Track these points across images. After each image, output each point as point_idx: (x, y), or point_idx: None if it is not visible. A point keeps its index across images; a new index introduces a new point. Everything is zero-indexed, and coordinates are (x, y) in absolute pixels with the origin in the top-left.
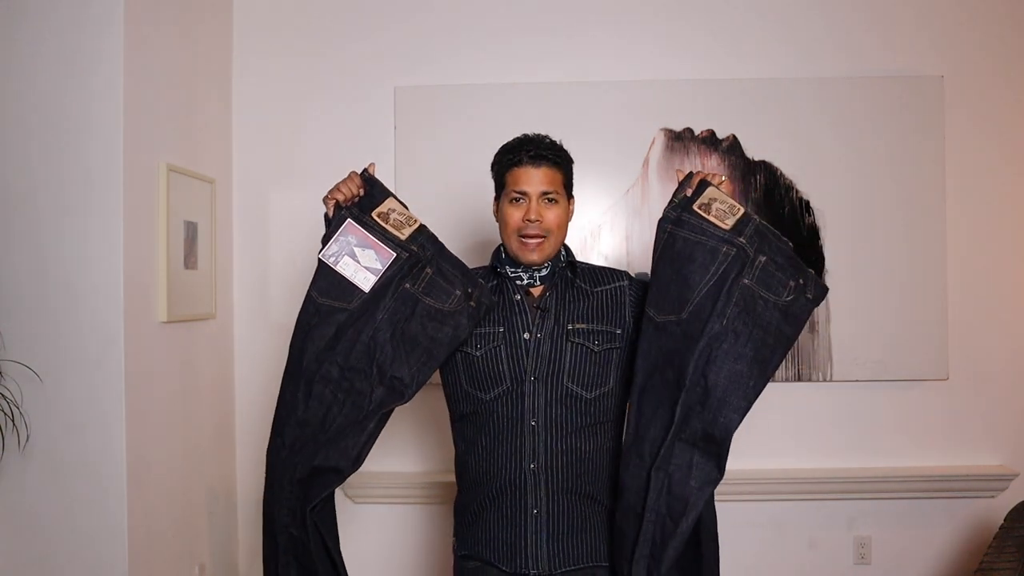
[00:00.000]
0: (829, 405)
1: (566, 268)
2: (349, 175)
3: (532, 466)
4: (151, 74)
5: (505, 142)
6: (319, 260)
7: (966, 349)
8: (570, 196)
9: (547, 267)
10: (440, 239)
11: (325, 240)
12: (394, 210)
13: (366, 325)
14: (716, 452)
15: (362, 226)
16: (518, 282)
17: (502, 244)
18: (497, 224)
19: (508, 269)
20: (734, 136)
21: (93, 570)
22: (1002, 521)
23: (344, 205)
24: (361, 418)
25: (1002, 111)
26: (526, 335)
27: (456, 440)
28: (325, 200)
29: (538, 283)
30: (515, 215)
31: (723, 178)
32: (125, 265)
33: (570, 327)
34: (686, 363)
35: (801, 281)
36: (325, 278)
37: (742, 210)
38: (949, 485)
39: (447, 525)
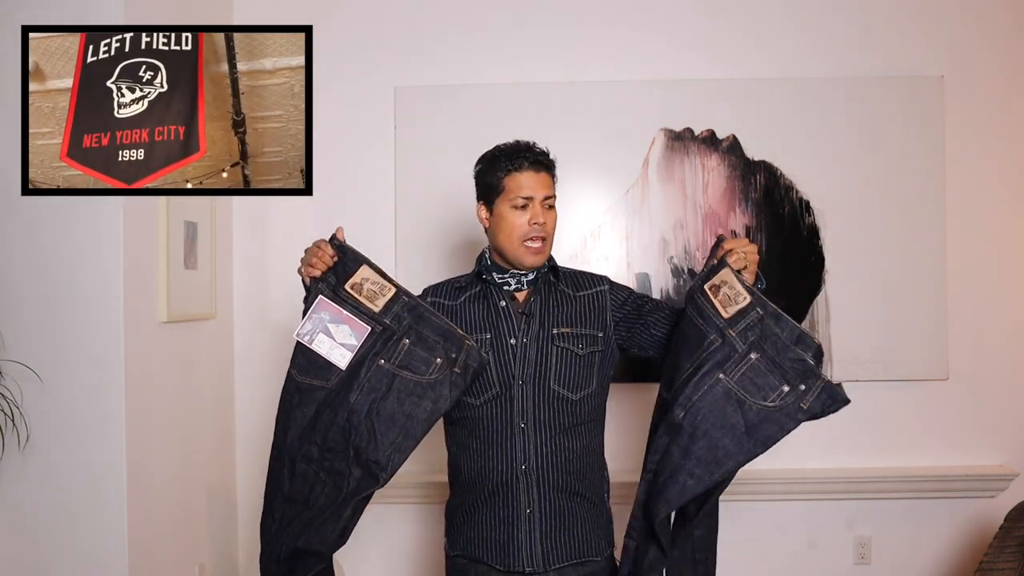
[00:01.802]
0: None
1: (548, 273)
2: (317, 244)
3: (524, 467)
4: None
5: (488, 150)
6: (296, 339)
7: (966, 349)
8: None
9: (534, 271)
10: (430, 241)
11: (303, 316)
12: (367, 279)
13: (341, 406)
14: (652, 534)
15: (335, 301)
16: (505, 288)
17: (488, 250)
18: (485, 229)
19: (495, 275)
20: (734, 136)
21: (93, 570)
22: (1002, 521)
23: (319, 277)
24: (340, 501)
25: (1002, 111)
26: (512, 340)
27: (448, 444)
28: (299, 271)
29: (525, 288)
30: (520, 220)
31: (746, 261)
32: (125, 265)
33: (555, 331)
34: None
35: (802, 388)
36: (303, 356)
37: (748, 299)
38: (949, 485)
39: (440, 525)
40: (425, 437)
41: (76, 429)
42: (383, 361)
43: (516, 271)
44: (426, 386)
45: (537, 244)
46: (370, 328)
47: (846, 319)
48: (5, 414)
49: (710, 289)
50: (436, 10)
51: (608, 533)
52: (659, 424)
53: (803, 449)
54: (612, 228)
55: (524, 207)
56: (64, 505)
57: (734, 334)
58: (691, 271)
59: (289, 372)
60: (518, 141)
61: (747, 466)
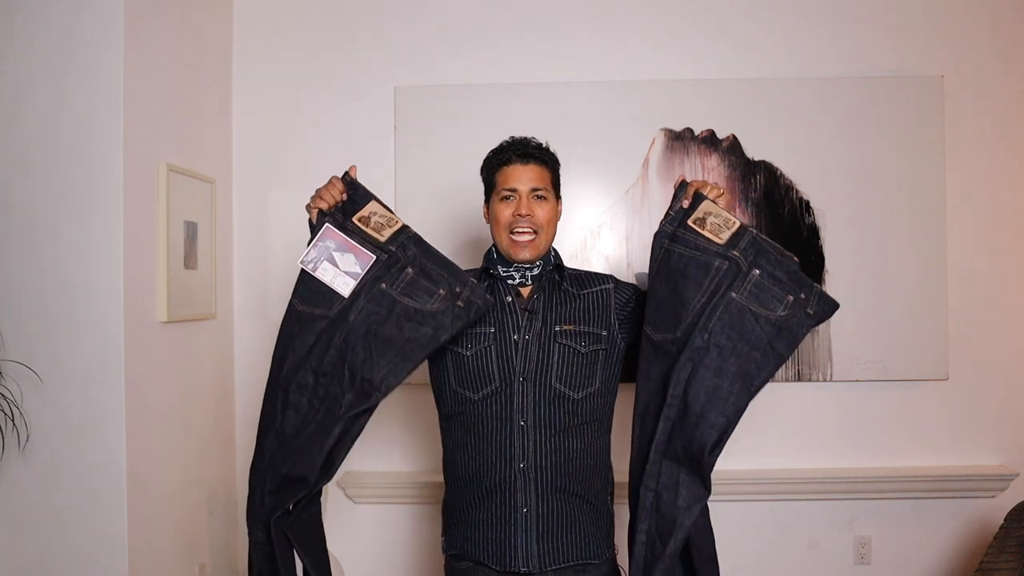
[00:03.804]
0: (829, 405)
1: (553, 271)
2: (330, 180)
3: (521, 465)
4: (151, 74)
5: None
6: (300, 267)
7: (966, 349)
8: (558, 197)
9: (538, 266)
10: (431, 240)
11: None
12: (375, 213)
13: (339, 326)
14: (699, 469)
15: (342, 230)
16: (509, 282)
17: (493, 245)
18: (488, 227)
19: (500, 269)
20: (734, 136)
21: (93, 570)
22: (1002, 521)
23: (327, 211)
24: (330, 424)
25: (1002, 111)
26: (515, 336)
27: (444, 439)
28: (308, 207)
29: (529, 283)
30: (506, 212)
31: (720, 190)
32: (125, 265)
33: (557, 328)
34: (670, 379)
35: (802, 296)
36: (306, 286)
37: (737, 223)
38: (949, 485)
39: (438, 525)
40: (423, 435)
41: (76, 429)
42: (384, 285)
43: (520, 264)
44: (427, 314)
45: (525, 237)
46: (375, 257)
47: (846, 319)
48: (5, 414)
49: (695, 223)
50: (436, 10)
51: (609, 536)
52: (662, 363)
53: (803, 449)
54: (612, 228)
55: (510, 199)
56: (64, 505)
57: (737, 253)
58: None
59: (290, 303)
60: (513, 137)
61: (748, 466)
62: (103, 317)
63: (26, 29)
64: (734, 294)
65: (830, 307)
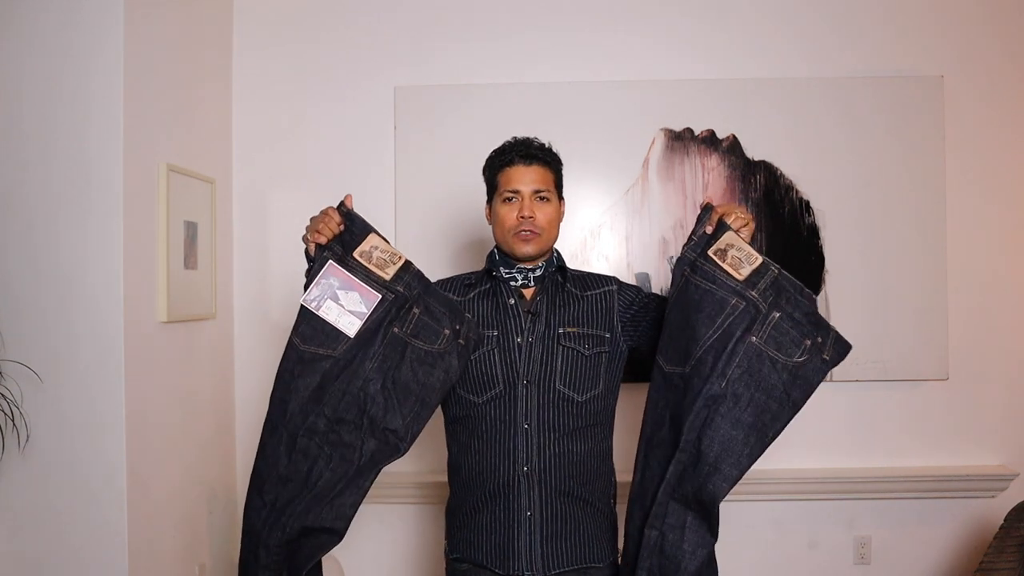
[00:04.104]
0: (830, 405)
1: (556, 272)
2: (326, 211)
3: (525, 468)
4: (151, 74)
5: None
6: (301, 305)
7: (966, 349)
8: (561, 197)
9: (540, 267)
10: (432, 242)
11: (307, 283)
12: (377, 247)
13: (355, 375)
14: (707, 517)
15: (344, 267)
16: (512, 283)
17: (496, 247)
18: (491, 227)
19: (503, 271)
20: (734, 136)
21: (93, 570)
22: (1002, 521)
23: (325, 245)
24: (353, 474)
25: (1002, 111)
26: (519, 339)
27: (449, 442)
28: (304, 239)
29: (532, 284)
30: (509, 214)
31: (746, 219)
32: (125, 265)
33: (561, 331)
34: (683, 422)
35: (819, 339)
36: (308, 324)
37: (760, 260)
38: (949, 485)
39: (440, 525)
40: (425, 435)
41: (76, 429)
42: (397, 329)
43: (522, 266)
44: (436, 355)
45: (527, 234)
46: (381, 296)
47: (846, 319)
48: (5, 414)
49: (715, 254)
50: (436, 10)
51: (612, 539)
52: (671, 396)
53: (803, 449)
54: (612, 228)
55: (512, 201)
56: (64, 505)
57: (755, 295)
58: None
59: (290, 341)
60: (515, 137)
61: None
62: (103, 317)
63: (24, 29)
64: (754, 338)
65: (844, 351)
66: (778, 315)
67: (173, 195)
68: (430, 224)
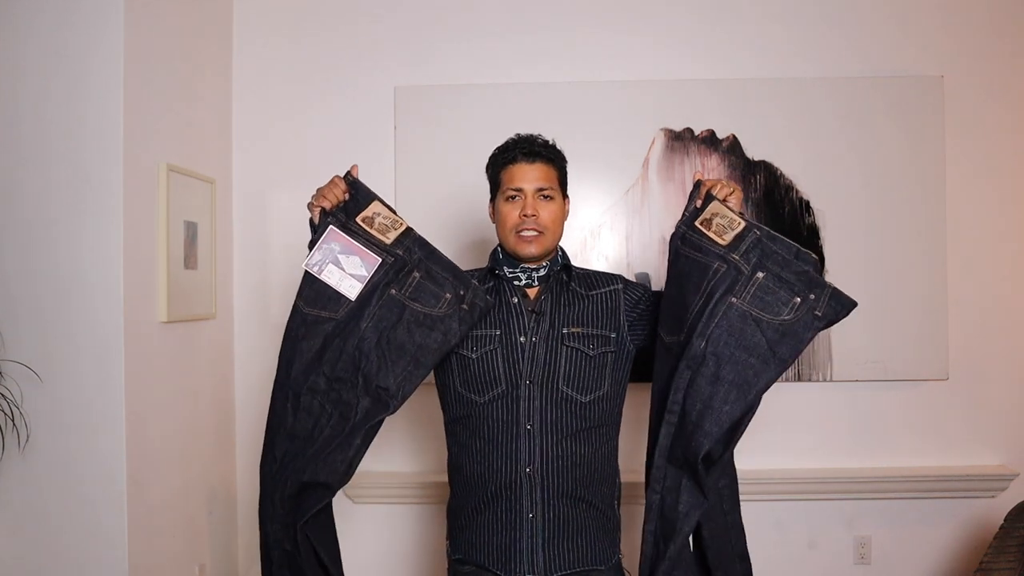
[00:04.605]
0: (829, 405)
1: (561, 271)
2: (332, 180)
3: (528, 470)
4: (151, 74)
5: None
6: (304, 269)
7: (966, 349)
8: (565, 195)
9: (544, 267)
10: (432, 241)
11: (310, 248)
12: (379, 214)
13: (351, 334)
14: (695, 476)
15: (346, 232)
16: (516, 283)
17: (499, 245)
18: (494, 225)
19: (506, 270)
20: (734, 136)
21: (93, 570)
22: (1002, 521)
23: (329, 211)
24: (348, 431)
25: (1002, 111)
26: (522, 338)
27: (449, 442)
28: (310, 206)
29: (535, 284)
30: (512, 212)
31: (731, 188)
32: (125, 265)
33: (565, 331)
34: (670, 385)
35: (812, 297)
36: (310, 287)
37: (742, 224)
38: (949, 485)
39: (442, 525)
40: (427, 435)
41: (76, 429)
42: (394, 291)
43: (526, 266)
44: (436, 319)
45: (531, 235)
46: (381, 259)
47: (846, 319)
48: (5, 414)
49: (701, 224)
50: (436, 10)
51: (615, 541)
52: (671, 365)
53: (803, 449)
54: (612, 228)
55: (515, 199)
56: (64, 505)
57: (737, 257)
58: None
59: (295, 305)
60: (519, 135)
61: (747, 466)
62: (103, 317)
63: (23, 29)
64: (734, 299)
65: (844, 306)
66: (762, 275)
67: (173, 195)
68: (430, 224)
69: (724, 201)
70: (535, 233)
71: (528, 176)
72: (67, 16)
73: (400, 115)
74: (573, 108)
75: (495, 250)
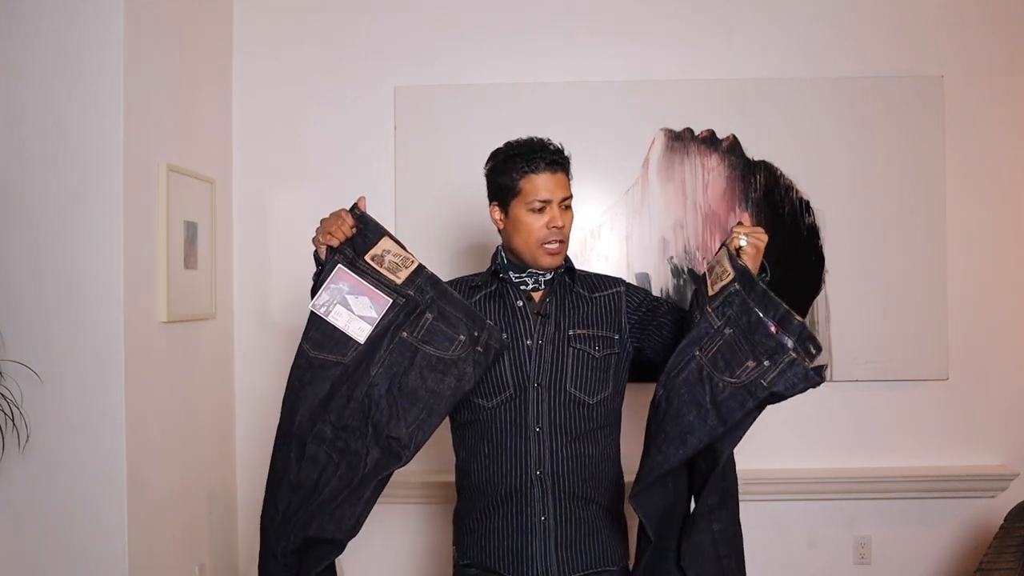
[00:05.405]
0: (829, 405)
1: (564, 274)
2: (337, 214)
3: (538, 472)
4: (151, 74)
5: (500, 147)
6: (310, 311)
7: (966, 349)
8: None
9: (552, 271)
10: (431, 242)
11: (316, 287)
12: (389, 251)
13: (361, 380)
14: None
15: (354, 271)
16: (522, 287)
17: (502, 248)
18: (499, 230)
19: (512, 275)
20: (734, 136)
21: (93, 570)
22: (1002, 521)
23: (336, 248)
24: (356, 483)
25: (1002, 111)
26: (528, 341)
27: (456, 447)
28: (314, 241)
29: (542, 287)
30: (538, 224)
31: (743, 236)
32: (125, 265)
33: (571, 333)
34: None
35: (766, 364)
36: (317, 329)
37: (731, 275)
38: (949, 485)
39: (446, 525)
40: (434, 433)
41: (76, 429)
42: (406, 334)
43: (534, 271)
44: (449, 363)
45: (555, 246)
46: (391, 300)
47: (846, 319)
48: (5, 414)
49: (708, 271)
50: (436, 10)
51: (623, 541)
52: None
53: (803, 449)
54: (612, 228)
55: (541, 210)
56: (64, 505)
57: (711, 310)
58: (691, 271)
59: (301, 347)
60: (531, 138)
61: (747, 466)
62: (103, 317)
63: (23, 29)
64: (698, 352)
65: (801, 382)
66: (729, 332)
67: (173, 195)
68: (430, 224)
69: (734, 252)
70: (559, 244)
71: (554, 186)
72: (68, 17)
73: (400, 115)
74: (573, 108)
75: (498, 252)
